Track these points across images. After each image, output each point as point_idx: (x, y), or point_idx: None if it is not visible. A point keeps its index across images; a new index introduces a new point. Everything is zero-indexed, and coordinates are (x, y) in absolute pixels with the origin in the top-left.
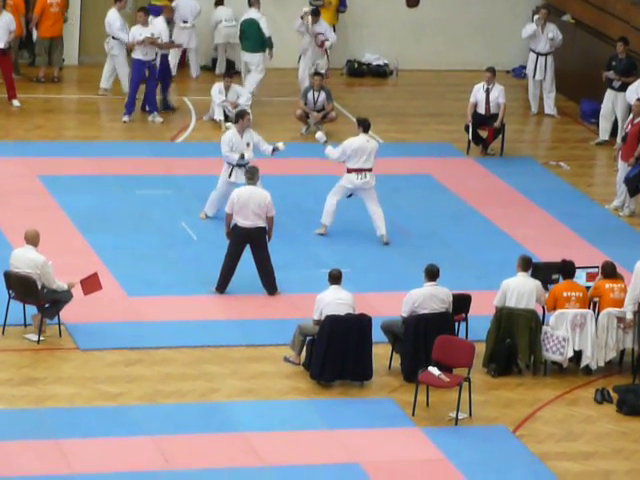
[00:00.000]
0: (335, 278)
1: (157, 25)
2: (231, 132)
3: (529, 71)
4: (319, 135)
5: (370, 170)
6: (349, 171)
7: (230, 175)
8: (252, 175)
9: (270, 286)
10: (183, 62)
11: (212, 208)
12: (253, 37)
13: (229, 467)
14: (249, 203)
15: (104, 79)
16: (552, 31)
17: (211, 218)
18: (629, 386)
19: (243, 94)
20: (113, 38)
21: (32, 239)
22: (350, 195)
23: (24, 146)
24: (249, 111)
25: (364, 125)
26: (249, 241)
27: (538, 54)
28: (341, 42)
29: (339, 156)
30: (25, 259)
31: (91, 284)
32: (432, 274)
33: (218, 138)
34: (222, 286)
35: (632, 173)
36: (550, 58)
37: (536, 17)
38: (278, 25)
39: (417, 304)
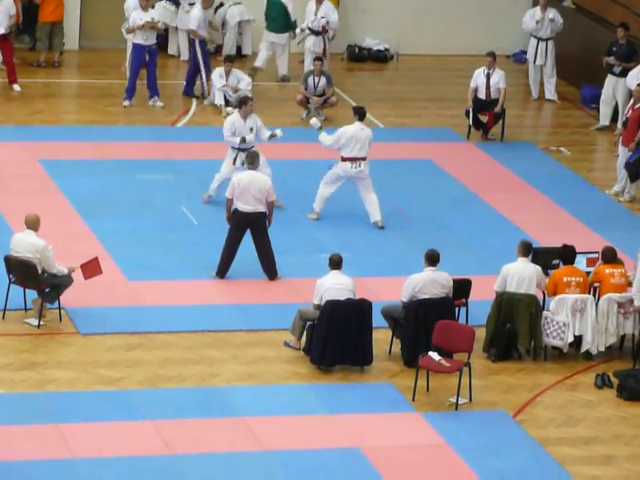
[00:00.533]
0: (335, 263)
1: (158, 10)
2: (234, 116)
3: (530, 56)
4: (314, 121)
5: (364, 159)
6: (344, 159)
7: (234, 161)
8: (252, 160)
9: (270, 271)
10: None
11: (216, 190)
12: (279, 18)
13: (229, 452)
14: (250, 188)
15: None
16: (553, 13)
17: (212, 203)
18: (629, 371)
19: (243, 79)
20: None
21: (32, 224)
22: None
23: (25, 130)
24: (251, 96)
25: (359, 113)
26: (249, 226)
27: (539, 39)
28: (342, 27)
29: (332, 143)
30: (25, 244)
31: (91, 268)
32: (432, 259)
33: (219, 122)
34: (222, 271)
35: (633, 158)
36: (551, 43)
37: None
38: None
39: (417, 289)
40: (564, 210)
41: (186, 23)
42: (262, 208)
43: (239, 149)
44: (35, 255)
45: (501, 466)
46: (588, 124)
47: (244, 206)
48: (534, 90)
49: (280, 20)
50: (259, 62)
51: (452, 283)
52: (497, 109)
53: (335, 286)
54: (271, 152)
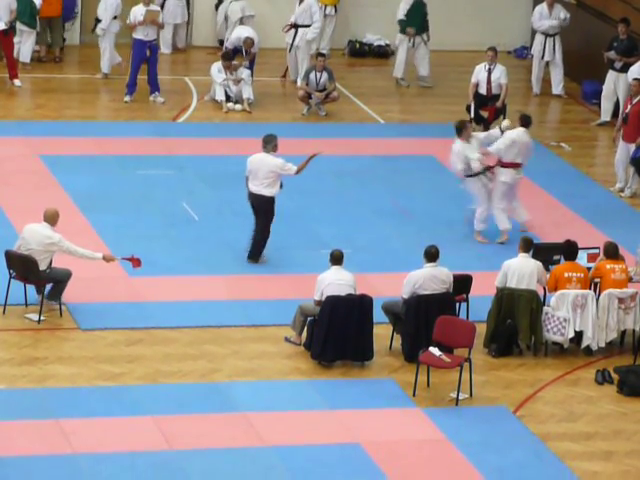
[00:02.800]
0: (336, 259)
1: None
2: None
3: (536, 52)
4: (505, 124)
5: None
6: (505, 165)
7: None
8: (266, 142)
9: (252, 253)
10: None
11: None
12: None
13: (230, 447)
14: (259, 170)
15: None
16: (564, 13)
17: (211, 199)
18: (630, 367)
19: (243, 70)
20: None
21: (51, 218)
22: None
23: (25, 126)
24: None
25: (525, 121)
26: (254, 206)
27: (546, 35)
28: (342, 23)
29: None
30: (39, 235)
31: (135, 262)
32: (432, 255)
33: (219, 118)
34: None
35: (638, 154)
36: (558, 38)
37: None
38: (279, 5)
39: (417, 285)
40: (565, 206)
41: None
42: (266, 192)
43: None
44: (49, 248)
45: (501, 461)
46: (589, 120)
47: (251, 186)
48: (536, 86)
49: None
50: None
51: (452, 279)
52: (498, 104)
53: (336, 282)
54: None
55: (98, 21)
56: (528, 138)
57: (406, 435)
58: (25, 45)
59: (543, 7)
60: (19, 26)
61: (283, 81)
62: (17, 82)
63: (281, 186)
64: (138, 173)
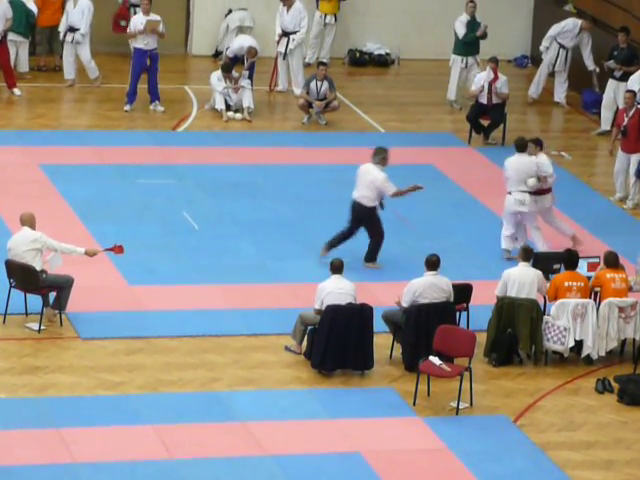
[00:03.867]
0: (337, 267)
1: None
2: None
3: (548, 59)
4: (532, 182)
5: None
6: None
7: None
8: (375, 154)
9: (369, 256)
10: None
11: None
12: None
13: (230, 456)
14: (363, 179)
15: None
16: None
17: (211, 208)
18: (630, 376)
19: (243, 79)
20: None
21: (28, 220)
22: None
23: (25, 135)
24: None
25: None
26: (352, 213)
27: (562, 46)
28: (342, 32)
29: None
30: (22, 239)
31: (118, 249)
32: (432, 264)
33: (219, 127)
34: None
35: None
36: (571, 52)
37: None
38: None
39: (418, 294)
40: (565, 214)
41: None
42: (365, 201)
43: None
44: (34, 246)
45: (502, 471)
46: (589, 129)
47: (355, 193)
48: (535, 90)
49: None
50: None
51: (452, 288)
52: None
53: (336, 290)
54: (271, 157)
55: (73, 30)
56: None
57: (406, 444)
58: (22, 54)
59: (569, 22)
60: (13, 37)
61: (271, 91)
62: (17, 91)
63: (382, 206)
64: (138, 182)
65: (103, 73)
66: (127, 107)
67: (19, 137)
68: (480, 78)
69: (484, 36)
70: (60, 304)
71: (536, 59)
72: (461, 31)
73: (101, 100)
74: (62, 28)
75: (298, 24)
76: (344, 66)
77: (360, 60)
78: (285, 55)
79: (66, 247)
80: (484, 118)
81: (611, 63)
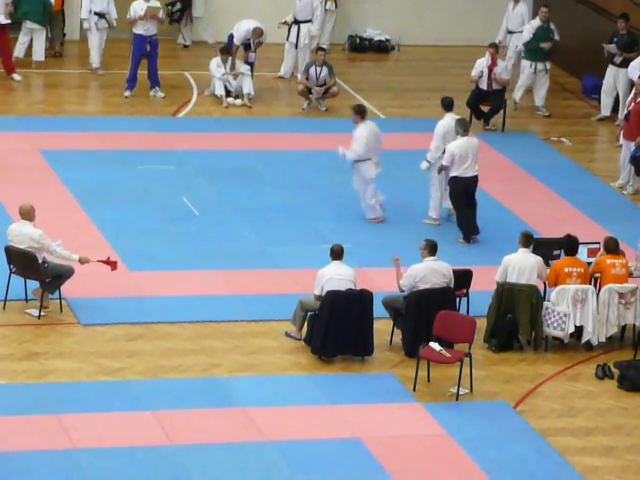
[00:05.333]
0: (337, 254)
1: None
2: None
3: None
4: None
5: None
6: None
7: None
8: (466, 127)
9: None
10: None
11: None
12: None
13: (230, 442)
14: (470, 154)
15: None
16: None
17: (211, 194)
18: (630, 362)
19: (241, 65)
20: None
21: (27, 214)
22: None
23: (26, 121)
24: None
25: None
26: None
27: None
28: (342, 18)
29: None
30: (22, 235)
31: (111, 264)
32: (432, 248)
33: (219, 113)
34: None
35: (638, 153)
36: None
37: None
38: (278, 1)
39: (418, 279)
40: (565, 200)
41: None
42: (477, 172)
43: None
44: (32, 244)
45: (502, 456)
46: (589, 114)
47: (465, 171)
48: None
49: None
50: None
51: (452, 273)
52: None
53: (336, 277)
54: (271, 142)
55: (100, 16)
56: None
57: (406, 430)
58: (37, 43)
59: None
60: (30, 25)
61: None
62: (16, 77)
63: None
64: (138, 168)
65: (103, 59)
66: (127, 93)
67: (20, 123)
68: (480, 64)
69: (551, 49)
70: (50, 288)
71: None
72: (526, 36)
73: (101, 86)
74: (85, 14)
75: (310, 13)
76: (344, 52)
77: (360, 46)
78: (297, 45)
79: (62, 252)
80: (484, 104)
81: (611, 47)
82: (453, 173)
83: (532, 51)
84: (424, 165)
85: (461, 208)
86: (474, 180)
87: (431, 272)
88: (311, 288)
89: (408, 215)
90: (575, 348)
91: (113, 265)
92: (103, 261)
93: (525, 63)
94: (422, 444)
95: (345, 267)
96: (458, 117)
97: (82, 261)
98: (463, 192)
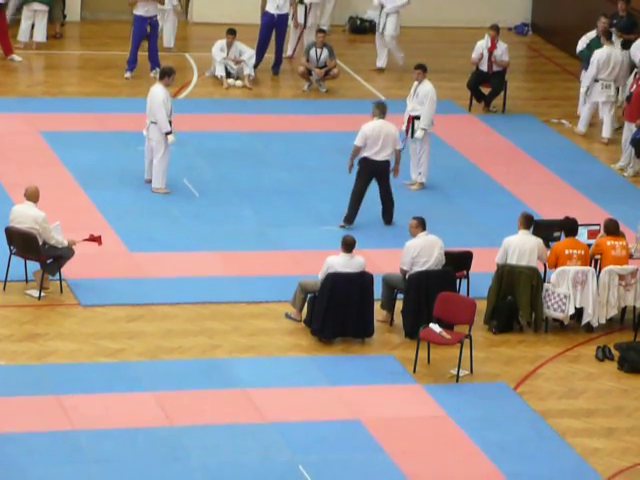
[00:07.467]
0: (348, 245)
1: None
2: None
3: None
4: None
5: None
6: None
7: None
8: (384, 109)
9: (389, 217)
10: None
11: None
12: None
13: (230, 423)
14: (380, 136)
15: None
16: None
17: (212, 175)
18: (630, 344)
19: (246, 51)
20: None
21: (32, 195)
22: None
23: (26, 102)
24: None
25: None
26: (376, 175)
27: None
28: None
29: None
30: (25, 216)
31: (96, 239)
32: (423, 224)
33: (220, 94)
34: (350, 219)
35: (639, 134)
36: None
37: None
38: None
39: (416, 253)
40: (565, 182)
41: None
42: (388, 157)
43: None
44: (35, 227)
45: (502, 438)
46: None
47: (375, 155)
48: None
49: None
50: None
51: (443, 243)
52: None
53: (343, 269)
54: (272, 124)
55: None
56: None
57: (406, 411)
58: (40, 24)
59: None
60: (37, 6)
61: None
62: (16, 57)
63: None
64: (139, 149)
65: (103, 40)
66: (127, 74)
67: (20, 104)
68: (480, 46)
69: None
70: (50, 269)
71: (536, 26)
72: (580, 47)
73: (102, 67)
74: None
75: None
76: (345, 33)
77: (361, 28)
78: (305, 26)
79: (57, 238)
80: (485, 86)
81: (612, 30)
82: (364, 154)
83: (584, 61)
84: (419, 133)
85: (359, 191)
86: (384, 165)
87: (429, 246)
88: (311, 270)
89: (409, 196)
90: (575, 330)
91: (98, 240)
92: (87, 239)
93: (583, 72)
94: (422, 426)
95: (355, 260)
96: (378, 100)
97: (69, 244)
98: (369, 175)
